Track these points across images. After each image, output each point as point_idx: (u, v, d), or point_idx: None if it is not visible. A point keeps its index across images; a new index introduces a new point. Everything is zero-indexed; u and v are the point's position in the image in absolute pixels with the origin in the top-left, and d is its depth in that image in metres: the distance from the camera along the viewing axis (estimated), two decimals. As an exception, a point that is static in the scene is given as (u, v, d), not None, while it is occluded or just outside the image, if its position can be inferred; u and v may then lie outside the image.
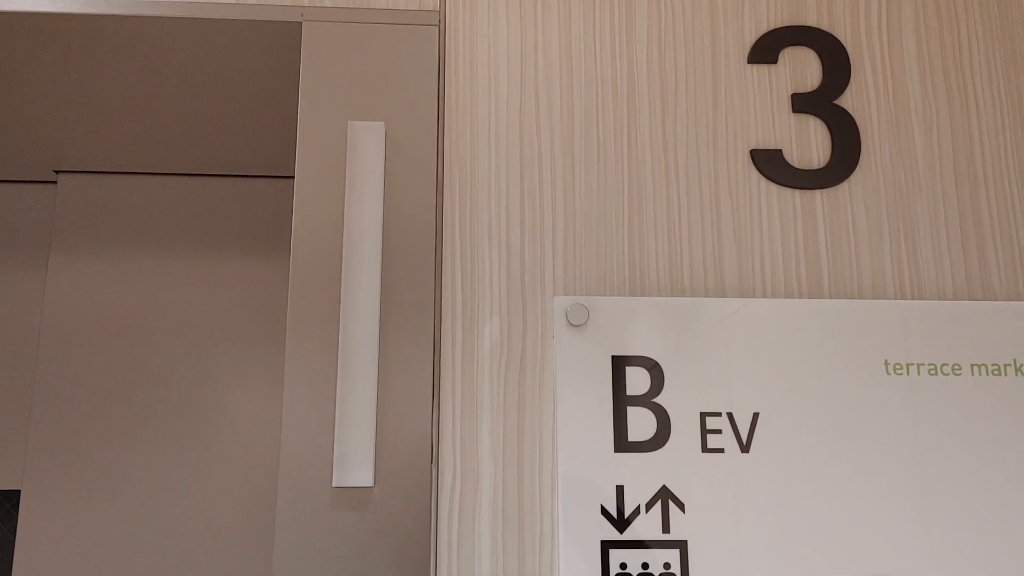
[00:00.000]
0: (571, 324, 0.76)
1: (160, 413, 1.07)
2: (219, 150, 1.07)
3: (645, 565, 0.71)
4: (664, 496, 0.72)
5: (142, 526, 1.04)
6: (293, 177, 1.10)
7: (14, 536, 1.12)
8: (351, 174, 0.75)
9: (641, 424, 0.74)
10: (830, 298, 0.78)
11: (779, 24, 0.84)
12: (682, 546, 0.71)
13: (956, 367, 0.76)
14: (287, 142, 1.02)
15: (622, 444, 0.73)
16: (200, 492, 1.05)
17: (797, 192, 0.80)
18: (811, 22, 0.84)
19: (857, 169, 0.81)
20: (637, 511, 0.72)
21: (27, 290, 1.13)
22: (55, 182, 1.15)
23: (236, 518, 1.04)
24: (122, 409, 1.07)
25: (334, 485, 0.69)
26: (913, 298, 0.79)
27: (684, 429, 0.74)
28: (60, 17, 0.80)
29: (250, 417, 1.07)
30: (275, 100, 0.93)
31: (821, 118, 0.82)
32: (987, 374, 0.76)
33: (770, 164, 0.81)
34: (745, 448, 0.74)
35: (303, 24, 0.80)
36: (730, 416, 0.74)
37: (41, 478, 1.04)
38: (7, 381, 1.10)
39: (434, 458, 0.73)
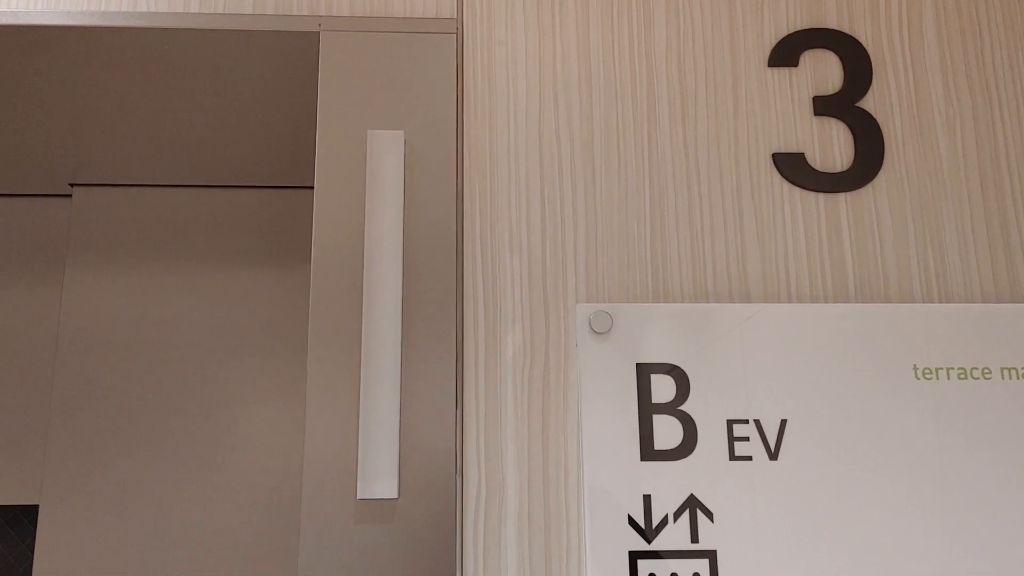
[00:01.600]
0: (594, 332, 0.75)
1: (177, 425, 1.06)
2: (236, 161, 1.07)
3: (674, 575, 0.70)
4: (692, 505, 0.71)
5: (161, 539, 1.03)
6: (311, 187, 1.10)
7: (32, 551, 1.11)
8: (371, 183, 0.75)
9: (667, 432, 0.73)
10: (856, 302, 0.77)
11: (799, 27, 0.83)
12: (711, 556, 0.70)
13: (986, 371, 0.75)
14: (305, 152, 1.02)
15: (648, 453, 0.72)
16: (219, 504, 1.04)
17: (820, 195, 0.80)
18: (831, 24, 0.84)
19: (881, 172, 0.80)
20: (665, 521, 0.71)
21: (43, 303, 1.12)
22: (70, 195, 1.14)
23: (255, 530, 1.04)
24: (140, 422, 1.06)
25: (358, 497, 0.69)
26: (940, 301, 0.78)
27: (711, 437, 0.73)
28: (75, 30, 0.80)
29: (268, 429, 1.07)
30: (293, 110, 0.92)
31: (843, 121, 0.81)
32: (1018, 377, 0.75)
33: (792, 168, 0.80)
34: (773, 455, 0.73)
35: (320, 34, 0.80)
36: (757, 423, 0.73)
37: (59, 493, 1.04)
38: (24, 395, 1.09)
39: (458, 468, 0.72)
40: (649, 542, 0.71)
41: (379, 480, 0.69)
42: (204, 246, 1.13)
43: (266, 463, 1.05)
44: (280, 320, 1.10)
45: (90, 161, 1.07)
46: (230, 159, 1.06)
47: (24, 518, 1.12)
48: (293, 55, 0.83)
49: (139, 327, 1.10)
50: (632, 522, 0.71)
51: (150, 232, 1.13)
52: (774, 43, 0.83)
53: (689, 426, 0.73)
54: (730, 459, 0.73)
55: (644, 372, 0.74)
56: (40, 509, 1.03)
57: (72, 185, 1.13)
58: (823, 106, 0.81)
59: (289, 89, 0.88)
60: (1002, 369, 0.75)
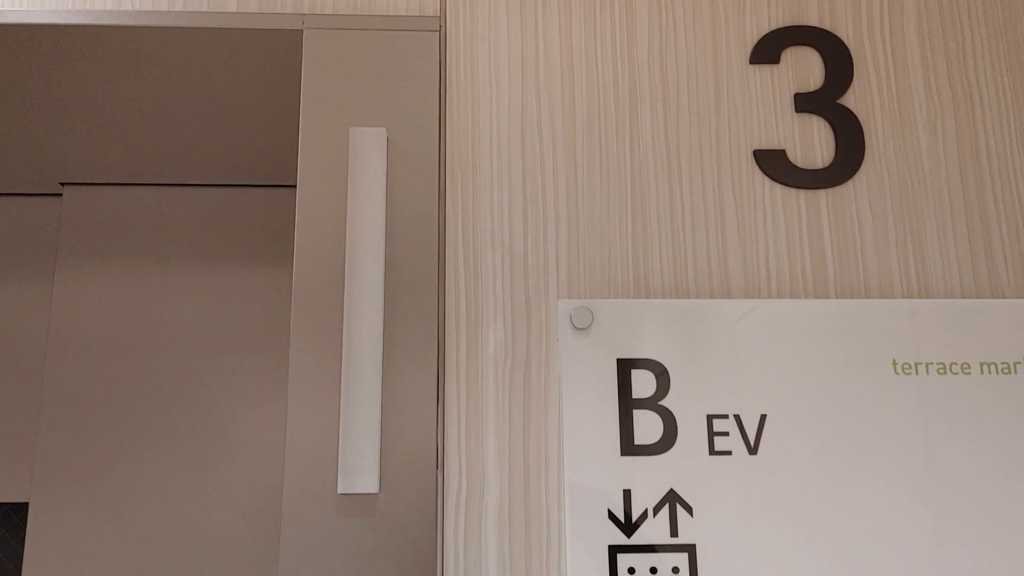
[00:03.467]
0: (575, 327, 0.75)
1: (167, 424, 1.07)
2: (223, 160, 1.07)
3: (653, 570, 0.70)
4: (672, 500, 0.72)
5: (150, 537, 1.03)
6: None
7: (22, 548, 1.12)
8: (353, 180, 0.75)
9: (647, 427, 0.73)
10: (836, 298, 0.78)
11: (780, 24, 0.84)
12: (690, 550, 0.71)
13: (965, 366, 0.75)
14: (291, 151, 1.02)
15: (629, 448, 0.73)
16: (208, 502, 1.04)
17: (801, 192, 0.80)
18: (812, 22, 0.84)
19: (862, 168, 0.81)
20: (645, 515, 0.71)
21: (34, 303, 1.13)
22: (60, 194, 1.15)
23: (244, 528, 1.04)
24: (129, 420, 1.07)
25: (339, 492, 0.69)
26: (920, 297, 0.78)
27: (691, 432, 0.73)
28: (63, 29, 0.80)
29: (257, 426, 1.07)
30: (278, 108, 0.93)
31: (824, 117, 0.82)
32: (997, 372, 0.75)
33: (774, 164, 0.80)
34: (753, 450, 0.73)
35: (304, 32, 0.80)
36: (737, 418, 0.74)
37: (49, 490, 1.04)
38: (15, 394, 1.10)
39: (439, 463, 0.73)
40: (629, 536, 0.71)
41: (360, 474, 0.69)
42: (195, 245, 1.13)
43: (257, 461, 1.06)
44: (270, 318, 1.11)
45: (80, 160, 1.08)
46: (218, 158, 1.06)
47: (14, 515, 1.13)
48: (277, 53, 0.83)
49: (130, 326, 1.10)
50: (612, 516, 0.71)
51: (140, 231, 1.13)
52: (756, 40, 0.83)
53: (669, 421, 0.73)
54: (710, 454, 0.73)
55: (625, 367, 0.75)
56: (30, 506, 1.03)
57: (62, 184, 1.14)
58: (804, 103, 0.82)
59: (274, 87, 0.89)
60: (981, 364, 0.75)
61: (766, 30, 0.84)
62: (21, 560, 1.11)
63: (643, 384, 0.74)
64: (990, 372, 0.75)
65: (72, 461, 1.05)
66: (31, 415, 1.09)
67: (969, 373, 0.75)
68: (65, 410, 1.07)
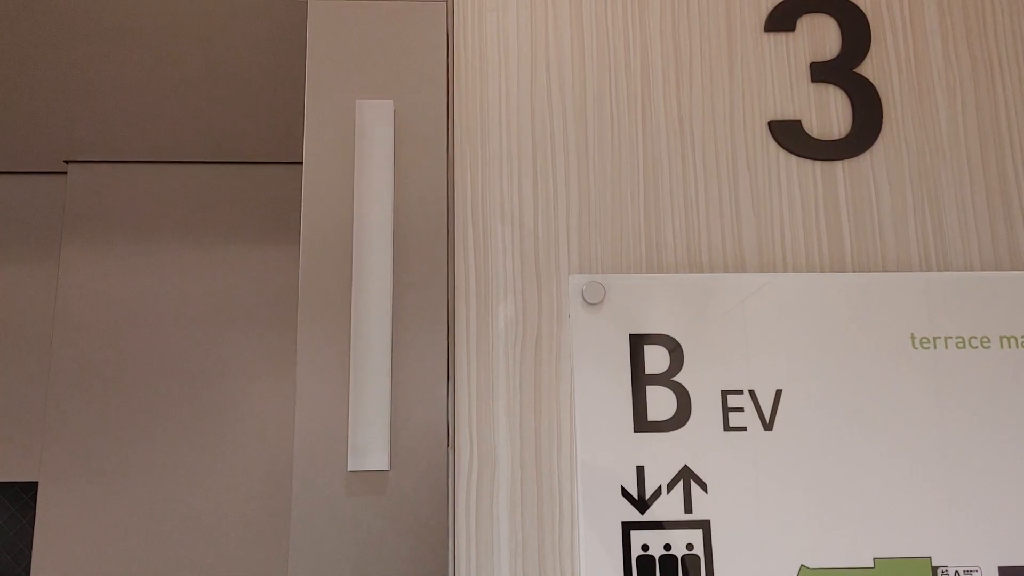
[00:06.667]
0: (587, 303, 0.74)
1: (175, 402, 1.06)
2: (229, 136, 1.06)
3: (667, 546, 0.69)
4: (686, 476, 0.71)
5: (159, 515, 1.03)
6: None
7: (32, 527, 1.12)
8: (360, 154, 0.74)
9: (661, 403, 0.72)
10: (853, 271, 0.76)
11: (796, -9, 0.82)
12: (705, 526, 0.70)
13: (985, 340, 0.74)
14: (297, 127, 1.01)
15: (642, 424, 0.72)
16: (217, 480, 1.04)
17: (817, 163, 0.78)
18: (829, -11, 0.82)
19: (879, 139, 0.79)
20: (658, 492, 0.70)
21: (40, 282, 1.12)
22: (65, 172, 1.14)
23: (253, 505, 1.04)
24: (137, 399, 1.06)
25: (349, 469, 0.68)
26: (939, 270, 0.76)
27: (705, 408, 0.72)
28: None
29: (266, 404, 1.06)
30: (285, 84, 0.92)
31: (841, 87, 0.80)
32: (1017, 346, 0.74)
33: (789, 135, 0.79)
34: (768, 426, 0.72)
35: (309, 2, 0.78)
36: (752, 394, 0.73)
37: (58, 469, 1.04)
38: (22, 373, 1.09)
39: (450, 440, 0.72)
40: (642, 513, 0.70)
41: (370, 452, 0.69)
42: (201, 222, 1.12)
43: (266, 439, 1.05)
44: (279, 295, 1.10)
45: (85, 138, 1.07)
46: (224, 134, 1.05)
47: (24, 495, 1.13)
48: (282, 24, 0.81)
49: (136, 304, 1.09)
50: (625, 493, 0.70)
51: (145, 208, 1.12)
52: (771, 7, 0.81)
53: (683, 397, 0.72)
54: (724, 430, 0.72)
55: (637, 343, 0.73)
56: (40, 486, 1.03)
57: (67, 162, 1.13)
58: (820, 72, 0.80)
59: (280, 61, 0.87)
60: (1001, 338, 0.74)
61: (781, -3, 0.82)
62: (31, 539, 1.11)
63: (656, 360, 0.73)
64: (1010, 346, 0.74)
65: (81, 440, 1.05)
66: (39, 395, 1.09)
67: (988, 347, 0.74)
68: (73, 389, 1.06)
